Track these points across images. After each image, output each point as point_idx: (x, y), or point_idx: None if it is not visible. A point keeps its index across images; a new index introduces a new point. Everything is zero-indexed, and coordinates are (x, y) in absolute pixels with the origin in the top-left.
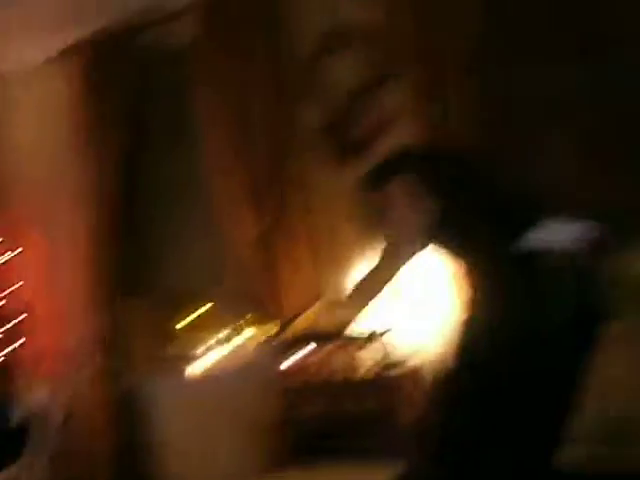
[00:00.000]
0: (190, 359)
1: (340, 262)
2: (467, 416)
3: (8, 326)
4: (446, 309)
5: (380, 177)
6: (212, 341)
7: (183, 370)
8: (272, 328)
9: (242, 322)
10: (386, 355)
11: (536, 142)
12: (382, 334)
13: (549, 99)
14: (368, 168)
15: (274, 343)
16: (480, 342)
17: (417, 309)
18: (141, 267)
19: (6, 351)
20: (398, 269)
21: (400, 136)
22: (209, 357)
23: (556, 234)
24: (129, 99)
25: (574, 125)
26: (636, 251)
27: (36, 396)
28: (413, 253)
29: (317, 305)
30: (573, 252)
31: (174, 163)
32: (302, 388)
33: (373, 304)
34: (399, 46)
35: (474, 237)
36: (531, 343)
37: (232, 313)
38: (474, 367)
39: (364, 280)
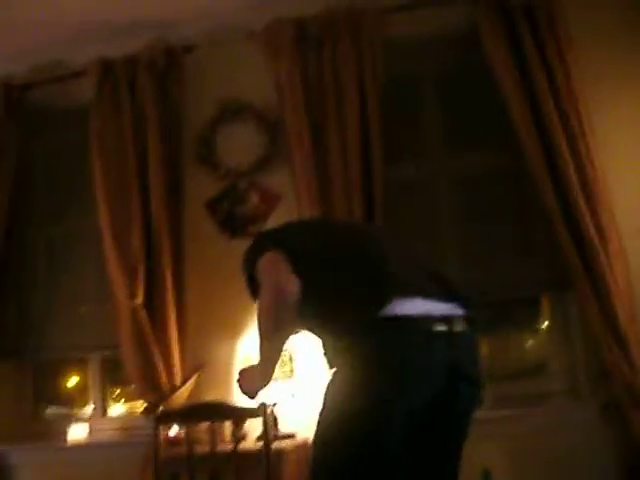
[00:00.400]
0: (68, 425)
1: (218, 336)
2: None
3: None
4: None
5: (248, 261)
6: (91, 409)
7: (60, 437)
8: (152, 399)
9: (122, 391)
10: (274, 428)
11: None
12: (271, 406)
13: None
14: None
15: (156, 413)
16: (339, 416)
17: (304, 382)
18: (24, 330)
19: None
20: (283, 340)
21: (286, 213)
22: (87, 425)
23: (423, 306)
24: (15, 157)
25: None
26: None
27: None
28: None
29: (195, 377)
30: (441, 320)
31: (68, 222)
32: (185, 460)
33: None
34: (290, 125)
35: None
36: (397, 410)
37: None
38: (329, 443)
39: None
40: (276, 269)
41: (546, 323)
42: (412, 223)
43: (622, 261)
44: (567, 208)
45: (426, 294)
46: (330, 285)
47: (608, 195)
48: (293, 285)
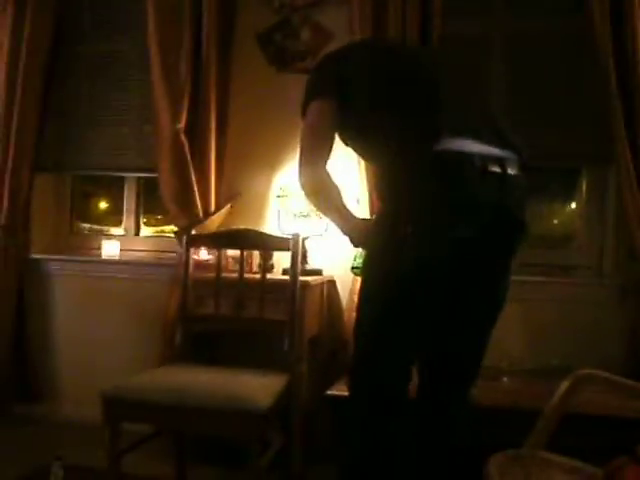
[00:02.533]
0: (102, 242)
1: (256, 167)
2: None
3: None
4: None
5: (306, 91)
6: (124, 229)
7: (94, 252)
8: (185, 224)
9: (155, 218)
10: (302, 262)
11: None
12: (303, 239)
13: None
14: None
15: (188, 236)
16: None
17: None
18: (66, 146)
19: None
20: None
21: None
22: (119, 243)
23: (477, 145)
24: None
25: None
26: None
27: None
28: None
29: (230, 206)
30: (494, 161)
31: (114, 42)
32: (213, 283)
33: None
34: None
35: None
36: (451, 241)
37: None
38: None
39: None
40: (314, 133)
41: (583, 197)
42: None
43: None
44: (624, 79)
45: (480, 135)
46: (382, 122)
47: None
48: (321, 157)
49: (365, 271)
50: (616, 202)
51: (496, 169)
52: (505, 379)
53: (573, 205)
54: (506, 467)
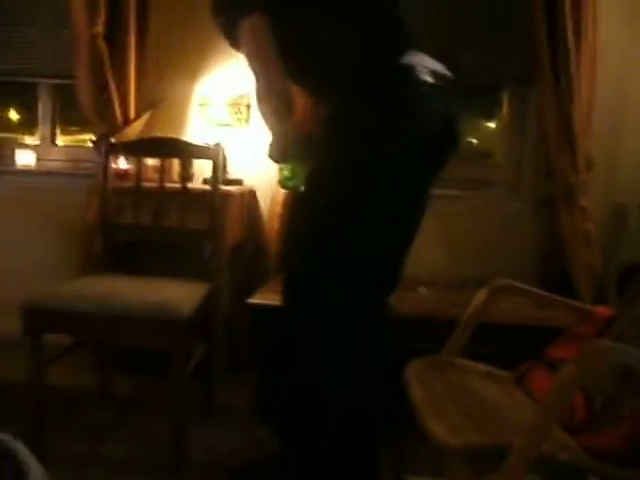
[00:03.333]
0: (16, 151)
1: (177, 75)
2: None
3: None
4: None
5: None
6: (38, 137)
7: (7, 161)
8: (104, 131)
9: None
10: (223, 171)
11: None
12: (224, 149)
13: None
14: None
15: (105, 145)
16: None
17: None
18: None
19: None
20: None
21: None
22: (34, 152)
23: (424, 60)
24: None
25: None
26: None
27: None
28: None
29: (149, 114)
30: (441, 75)
31: None
32: (132, 192)
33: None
34: None
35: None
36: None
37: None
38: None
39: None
40: (264, 58)
41: (504, 115)
42: None
43: (592, 67)
44: (550, 3)
45: (423, 51)
46: (337, 30)
47: None
48: (281, 76)
49: (314, 181)
50: (536, 121)
51: (440, 83)
52: (423, 289)
53: (494, 123)
54: (424, 373)
